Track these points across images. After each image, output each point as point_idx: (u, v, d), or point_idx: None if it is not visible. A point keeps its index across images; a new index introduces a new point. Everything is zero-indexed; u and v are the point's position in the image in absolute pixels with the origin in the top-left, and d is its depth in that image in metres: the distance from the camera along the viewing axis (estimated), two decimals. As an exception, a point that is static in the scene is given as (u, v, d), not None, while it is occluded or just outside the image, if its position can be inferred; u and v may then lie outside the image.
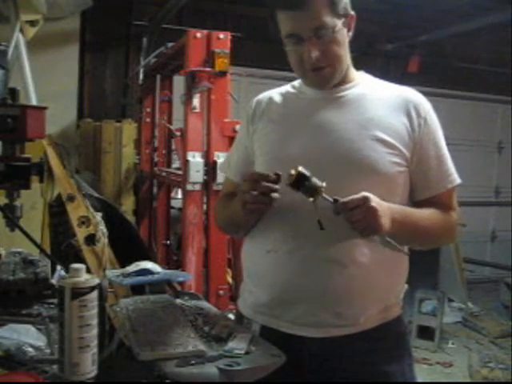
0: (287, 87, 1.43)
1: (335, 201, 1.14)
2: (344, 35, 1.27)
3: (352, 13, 1.29)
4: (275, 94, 1.42)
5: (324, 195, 1.13)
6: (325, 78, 1.29)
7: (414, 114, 1.29)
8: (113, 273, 1.50)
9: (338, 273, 1.23)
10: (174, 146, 3.74)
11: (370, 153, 1.24)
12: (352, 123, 1.27)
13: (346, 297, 1.24)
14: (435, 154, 1.31)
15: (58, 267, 1.51)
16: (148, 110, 3.94)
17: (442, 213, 1.32)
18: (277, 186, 1.17)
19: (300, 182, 1.13)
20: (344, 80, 1.33)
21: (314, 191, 1.13)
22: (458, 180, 1.34)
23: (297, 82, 1.41)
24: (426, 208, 1.31)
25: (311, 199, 1.14)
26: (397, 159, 1.26)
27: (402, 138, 1.26)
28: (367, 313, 1.26)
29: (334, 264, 1.23)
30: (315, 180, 1.13)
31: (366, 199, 1.15)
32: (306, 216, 1.21)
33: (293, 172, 1.13)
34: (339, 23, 1.24)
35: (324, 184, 1.13)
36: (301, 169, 1.12)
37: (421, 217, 1.30)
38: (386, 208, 1.18)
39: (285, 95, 1.41)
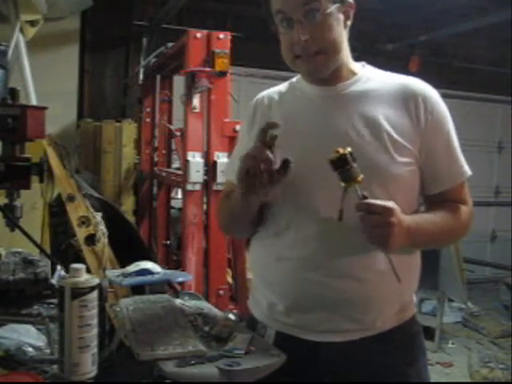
0: (286, 85, 1.38)
1: (364, 197, 1.09)
2: (339, 21, 1.20)
3: (351, 0, 1.23)
4: (274, 93, 1.37)
5: (357, 187, 1.09)
6: (316, 67, 1.22)
7: (420, 108, 1.24)
8: (113, 273, 1.50)
9: (353, 280, 1.20)
10: (174, 146, 3.74)
11: (379, 154, 1.20)
12: (357, 124, 1.22)
13: (362, 303, 1.21)
14: (444, 148, 1.27)
15: (58, 267, 1.51)
16: (148, 109, 3.94)
17: (454, 213, 1.27)
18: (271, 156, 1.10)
19: (342, 163, 1.08)
20: (344, 75, 1.28)
21: (351, 178, 1.08)
22: (468, 173, 1.29)
23: (295, 80, 1.37)
24: (439, 211, 1.26)
25: (343, 185, 1.09)
26: (405, 159, 1.21)
27: (408, 135, 1.22)
28: (384, 315, 1.24)
29: (348, 271, 1.20)
30: (357, 168, 1.08)
31: (389, 211, 1.09)
32: (317, 223, 1.19)
33: (340, 150, 1.08)
34: (332, 7, 1.18)
35: (362, 176, 1.09)
36: (350, 150, 1.08)
37: (435, 228, 1.25)
38: (404, 228, 1.12)
39: (284, 94, 1.36)
